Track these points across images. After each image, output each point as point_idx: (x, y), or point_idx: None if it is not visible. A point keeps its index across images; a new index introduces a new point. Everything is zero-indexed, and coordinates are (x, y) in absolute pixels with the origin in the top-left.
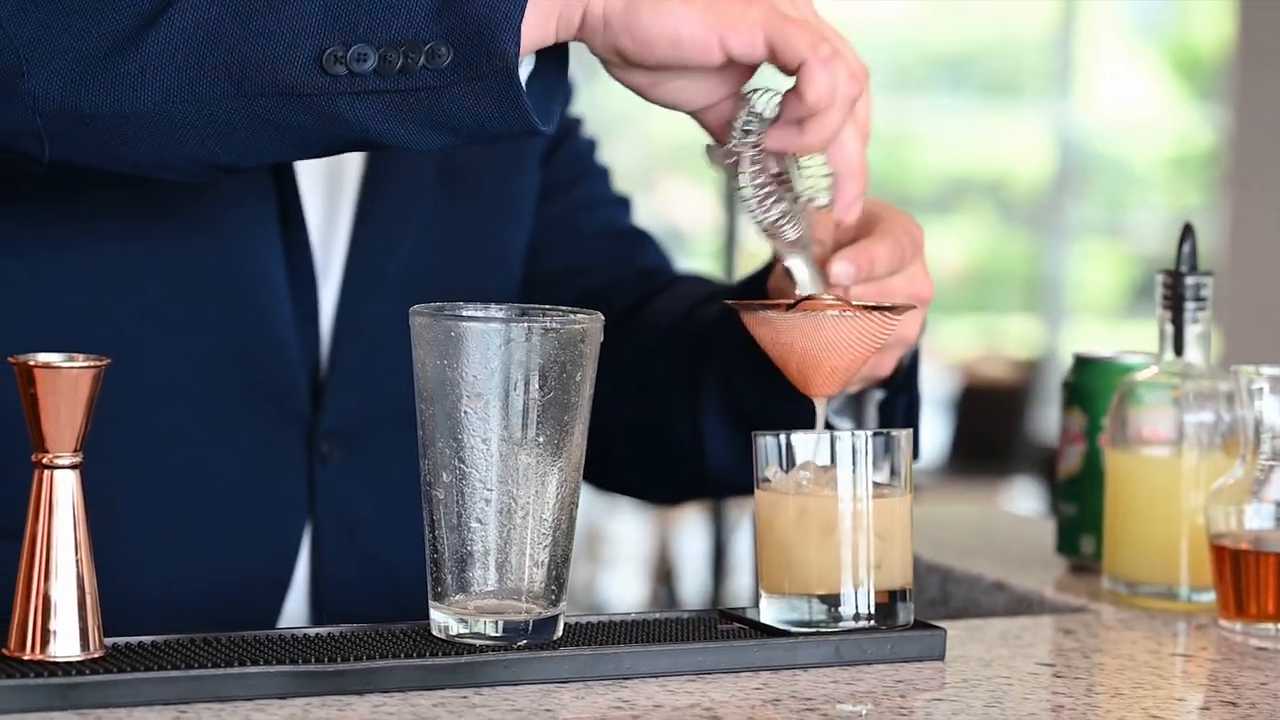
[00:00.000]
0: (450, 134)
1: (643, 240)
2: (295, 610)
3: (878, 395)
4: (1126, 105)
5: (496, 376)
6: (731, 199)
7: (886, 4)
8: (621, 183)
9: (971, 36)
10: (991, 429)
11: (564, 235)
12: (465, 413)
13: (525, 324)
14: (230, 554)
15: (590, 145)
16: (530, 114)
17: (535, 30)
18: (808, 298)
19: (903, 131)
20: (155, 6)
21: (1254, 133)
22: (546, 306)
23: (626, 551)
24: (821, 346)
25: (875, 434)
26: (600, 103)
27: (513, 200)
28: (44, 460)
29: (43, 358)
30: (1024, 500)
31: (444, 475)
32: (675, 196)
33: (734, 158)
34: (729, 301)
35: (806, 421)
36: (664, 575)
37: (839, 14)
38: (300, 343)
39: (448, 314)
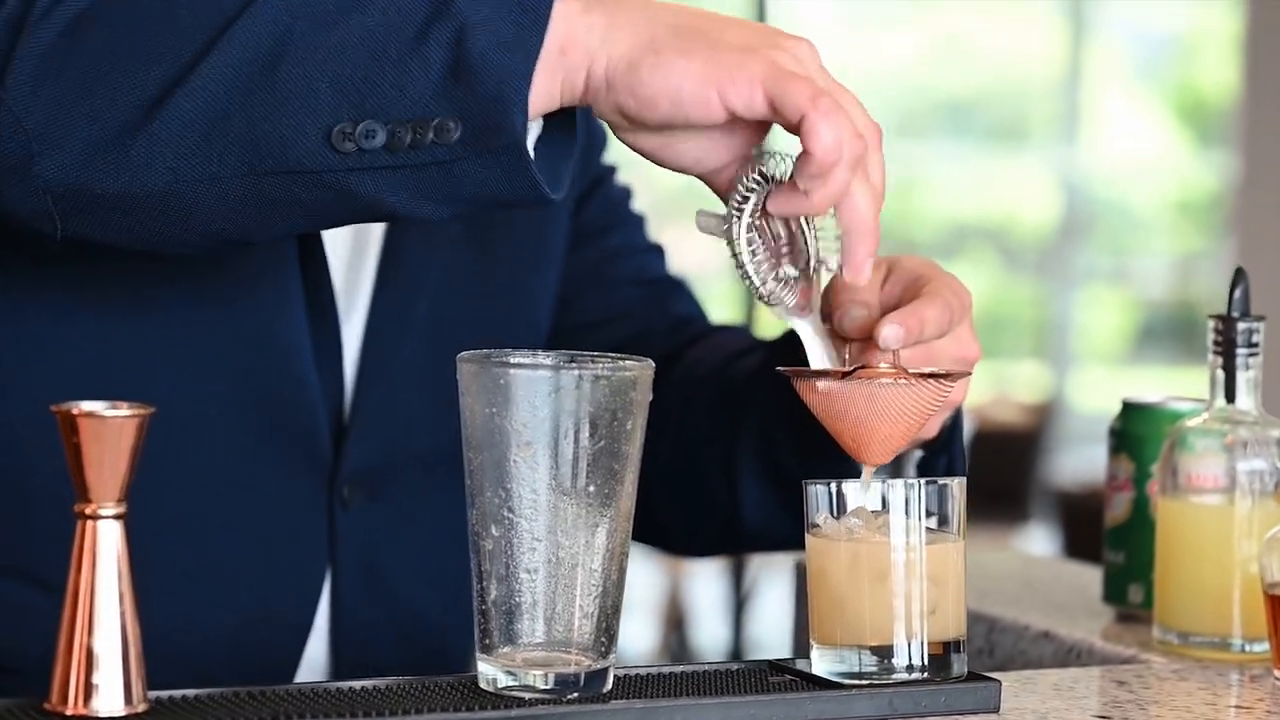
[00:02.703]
0: (461, 205)
1: (677, 289)
2: (316, 654)
3: (917, 454)
4: (1131, 150)
5: (546, 425)
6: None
7: (892, 49)
8: None
9: (976, 82)
10: (1004, 474)
11: (596, 283)
12: (514, 461)
13: (575, 371)
14: (251, 597)
15: (624, 193)
16: (540, 185)
17: (542, 97)
18: (862, 366)
19: (908, 177)
20: (163, 88)
21: (1260, 177)
22: (595, 354)
23: (637, 597)
24: (876, 414)
25: (928, 481)
26: (610, 150)
27: (541, 245)
28: (87, 510)
29: (86, 406)
30: (1038, 544)
31: (492, 525)
32: (685, 243)
33: (726, 223)
34: (781, 369)
35: (850, 474)
36: (675, 622)
37: (844, 58)
38: (322, 384)
39: (496, 361)
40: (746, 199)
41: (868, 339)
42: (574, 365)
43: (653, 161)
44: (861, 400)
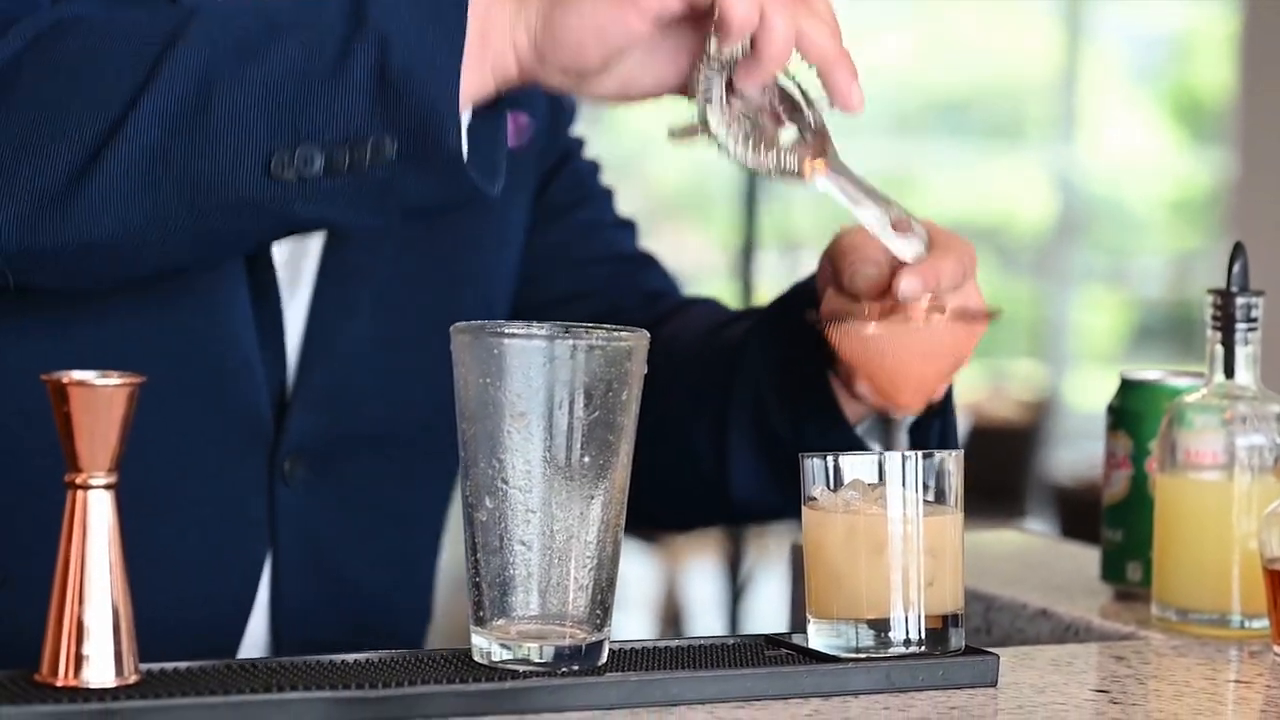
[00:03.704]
0: (400, 214)
1: (648, 264)
2: (257, 632)
3: (909, 419)
4: (1127, 150)
5: (540, 395)
6: (747, 240)
7: (887, 48)
8: None
9: (972, 81)
10: (1001, 468)
11: (565, 260)
12: (508, 433)
13: (570, 341)
14: (191, 574)
15: (592, 168)
16: (479, 186)
17: (474, 90)
18: (892, 307)
19: (904, 176)
20: (99, 140)
21: (1256, 176)
22: (590, 324)
23: (633, 593)
24: (915, 355)
25: (925, 454)
26: (604, 148)
27: (500, 224)
28: (77, 480)
29: (77, 375)
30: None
31: (486, 497)
32: (680, 241)
33: (697, 120)
34: (816, 315)
35: (844, 446)
36: (672, 617)
37: None
38: (265, 361)
39: (490, 331)
40: (710, 85)
41: (880, 297)
42: (568, 335)
43: (621, 104)
44: (904, 341)
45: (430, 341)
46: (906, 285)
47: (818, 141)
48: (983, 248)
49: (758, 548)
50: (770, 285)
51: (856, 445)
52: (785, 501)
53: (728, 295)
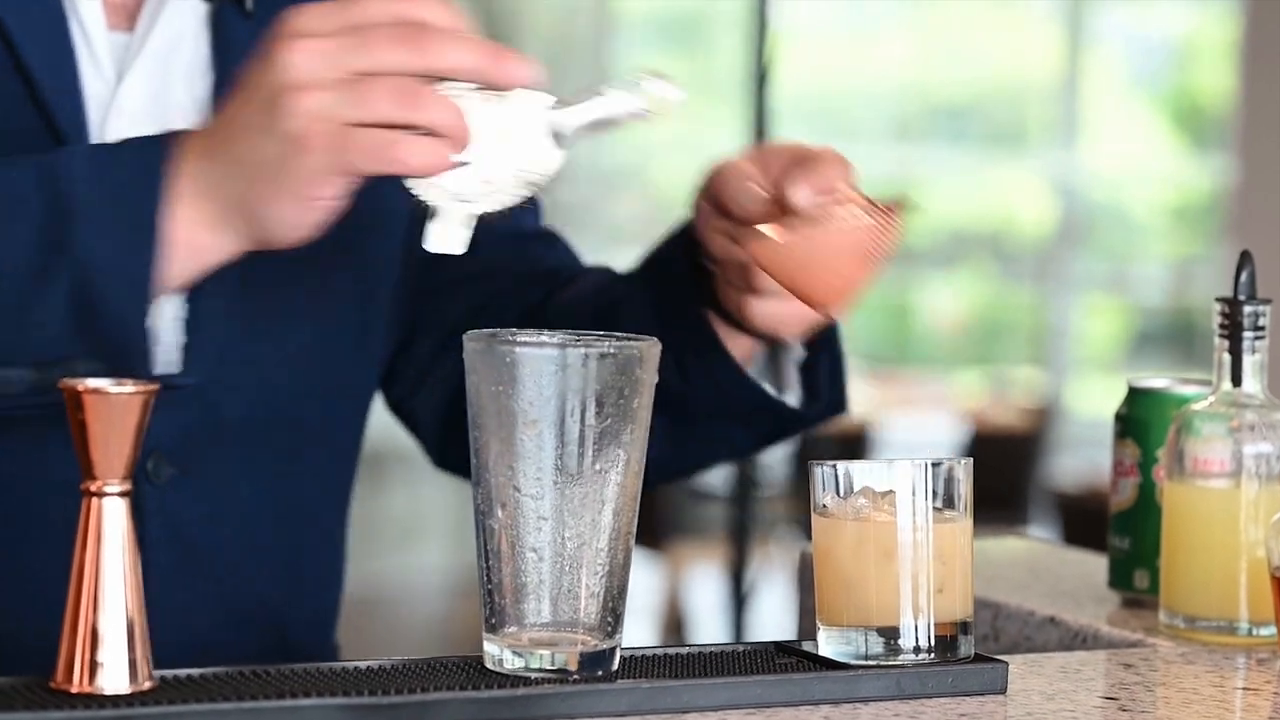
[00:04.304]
0: None
1: (551, 241)
2: None
3: (797, 354)
4: (1127, 156)
5: (552, 403)
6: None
7: (888, 53)
8: (624, 235)
9: (973, 87)
10: (1003, 475)
11: None
12: (520, 440)
13: (581, 349)
14: (56, 580)
15: None
16: (181, 385)
17: (182, 281)
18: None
19: (904, 181)
20: None
21: (1258, 182)
22: (602, 332)
23: (636, 602)
24: (835, 253)
25: (934, 462)
26: (602, 156)
27: (371, 210)
28: (92, 488)
29: (91, 382)
30: None
31: (497, 505)
32: None
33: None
34: (741, 228)
35: (733, 386)
36: (674, 625)
37: (841, 62)
38: None
39: (502, 340)
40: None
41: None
42: (580, 343)
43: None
44: (821, 241)
45: (299, 329)
46: (800, 195)
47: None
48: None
49: (761, 555)
50: None
51: (745, 385)
52: (677, 456)
53: None
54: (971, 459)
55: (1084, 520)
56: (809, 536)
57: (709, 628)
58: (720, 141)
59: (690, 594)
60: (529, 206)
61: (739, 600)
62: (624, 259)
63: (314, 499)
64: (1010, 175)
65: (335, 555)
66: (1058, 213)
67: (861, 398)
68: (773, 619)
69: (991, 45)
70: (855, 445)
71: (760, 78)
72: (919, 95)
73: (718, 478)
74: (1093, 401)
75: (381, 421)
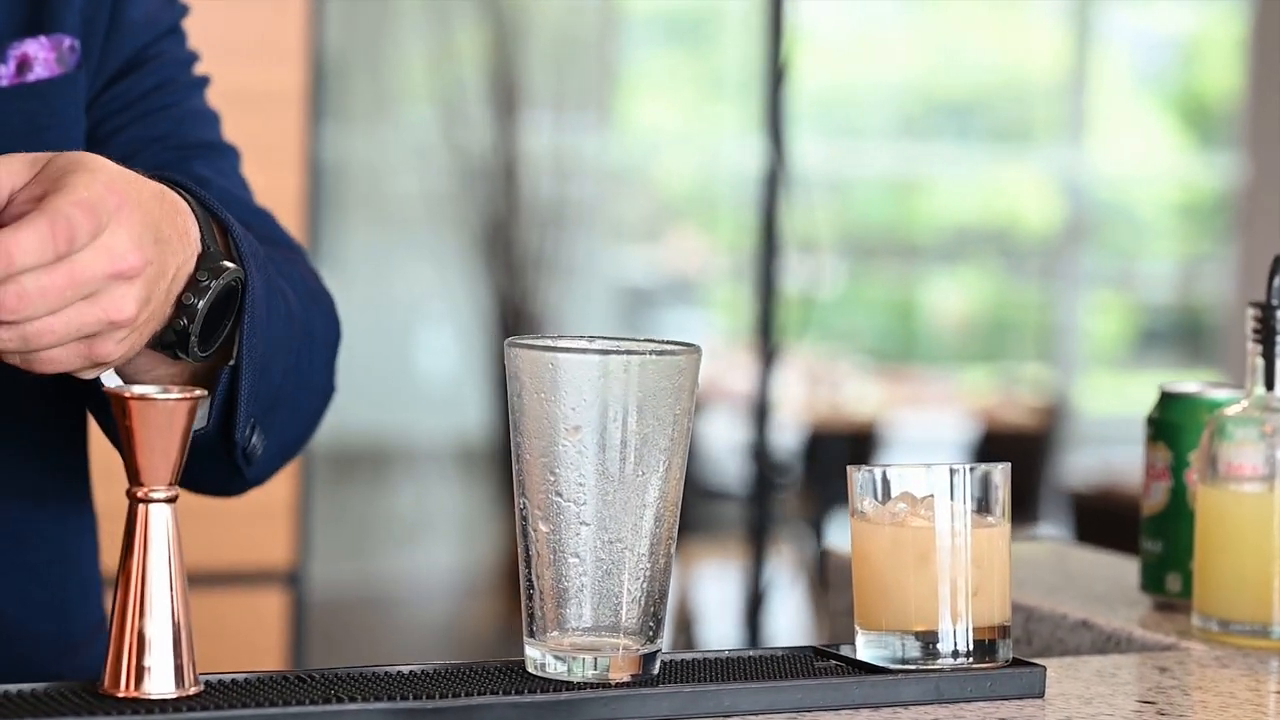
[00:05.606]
0: None
1: (222, 154)
2: None
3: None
4: (1135, 154)
5: (594, 409)
6: (767, 243)
7: (894, 51)
8: (630, 233)
9: (980, 84)
10: (1014, 474)
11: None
12: (562, 446)
13: (624, 356)
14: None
15: (185, 60)
16: None
17: None
18: None
19: (910, 180)
20: None
21: (1267, 179)
22: (642, 338)
23: None
24: None
25: (971, 467)
26: (607, 153)
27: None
28: (139, 494)
29: (138, 389)
30: None
31: (539, 510)
32: (683, 246)
33: None
34: None
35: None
36: (683, 625)
37: (848, 59)
38: None
39: (545, 346)
40: None
41: None
42: (623, 351)
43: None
44: None
45: None
46: None
47: None
48: (990, 251)
49: (776, 556)
50: (792, 287)
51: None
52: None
53: (736, 298)
54: (1009, 464)
55: (1097, 519)
56: (819, 537)
57: (719, 627)
58: (726, 139)
59: (699, 593)
60: (209, 120)
61: (755, 599)
62: (630, 256)
63: (21, 508)
64: (1017, 173)
65: (67, 565)
66: (1064, 210)
67: (869, 395)
68: (786, 618)
69: (998, 43)
70: (864, 443)
71: (778, 77)
72: (925, 93)
73: (731, 476)
74: (1100, 399)
75: (386, 421)
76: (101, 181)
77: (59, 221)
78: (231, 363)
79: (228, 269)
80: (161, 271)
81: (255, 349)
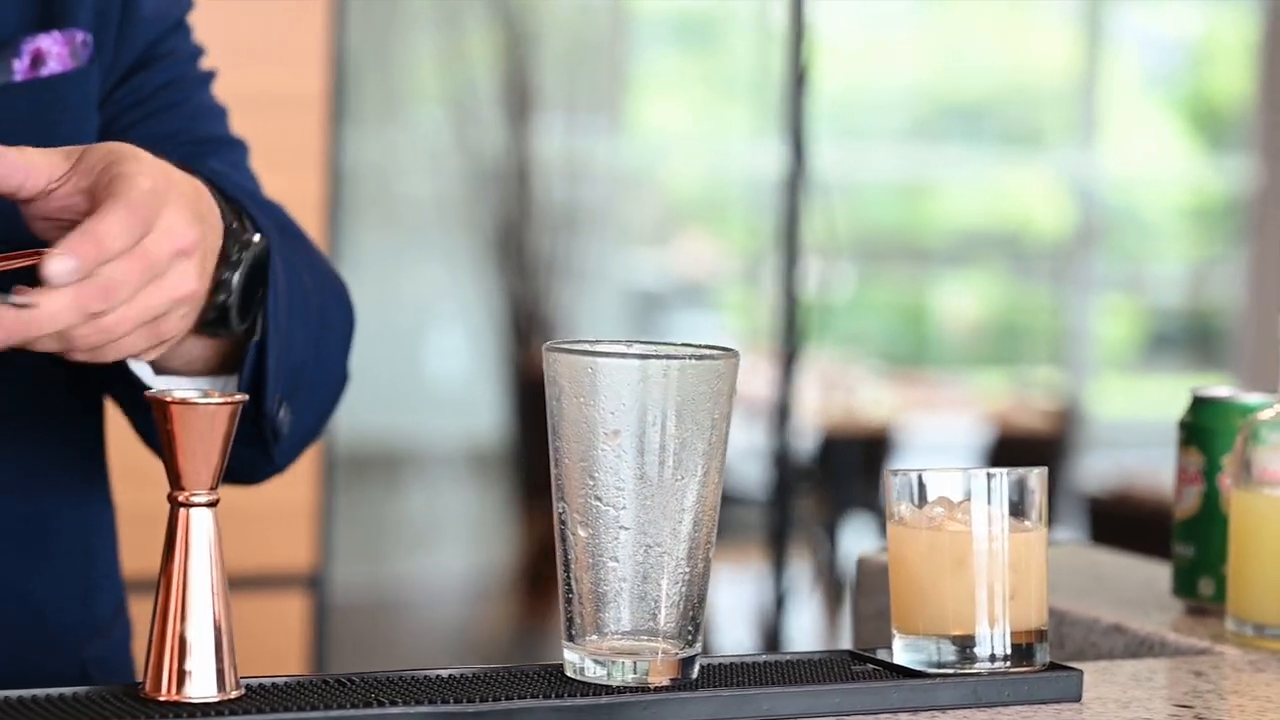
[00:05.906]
0: None
1: (232, 148)
2: None
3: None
4: (1145, 157)
5: (633, 414)
6: (790, 246)
7: (904, 54)
8: (639, 237)
9: (990, 87)
10: None
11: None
12: (601, 450)
13: (663, 361)
14: None
15: (191, 55)
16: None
17: None
18: None
19: (920, 182)
20: None
21: (1278, 183)
22: (681, 342)
23: None
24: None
25: (1009, 471)
26: (618, 156)
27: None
28: (180, 498)
29: (179, 393)
30: None
31: (578, 514)
32: (693, 250)
33: None
34: None
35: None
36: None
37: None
38: None
39: (583, 350)
40: None
41: None
42: (662, 356)
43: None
44: None
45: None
46: (56, 269)
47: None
48: (1000, 254)
49: (796, 561)
50: (807, 292)
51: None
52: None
53: (748, 301)
54: (1045, 468)
55: (1114, 523)
56: (834, 541)
57: (734, 631)
58: (737, 142)
59: (717, 596)
60: (217, 115)
61: (777, 603)
62: (639, 259)
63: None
64: (1027, 176)
65: (74, 546)
66: (1074, 214)
67: (882, 399)
68: (802, 622)
69: (1008, 46)
70: (878, 447)
71: (798, 80)
72: (935, 96)
73: (745, 480)
74: (1112, 403)
75: (398, 423)
76: (148, 169)
77: (136, 208)
78: (257, 338)
79: (254, 242)
80: (210, 247)
81: (279, 319)
